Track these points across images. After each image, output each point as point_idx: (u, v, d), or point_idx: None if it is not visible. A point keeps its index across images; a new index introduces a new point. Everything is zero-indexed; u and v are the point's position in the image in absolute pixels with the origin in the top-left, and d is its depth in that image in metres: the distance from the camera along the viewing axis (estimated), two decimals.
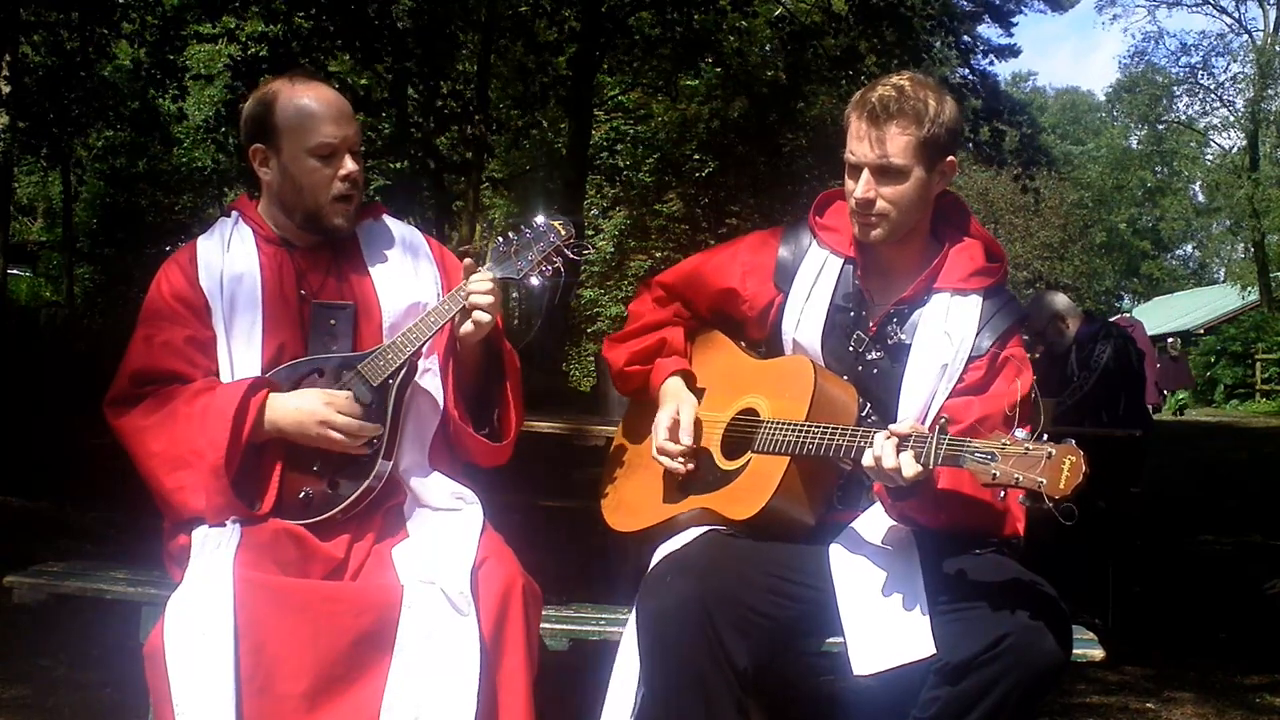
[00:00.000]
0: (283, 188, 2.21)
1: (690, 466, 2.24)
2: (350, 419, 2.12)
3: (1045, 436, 1.77)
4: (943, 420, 1.88)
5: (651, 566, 2.14)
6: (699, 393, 2.35)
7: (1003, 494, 1.82)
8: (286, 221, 2.25)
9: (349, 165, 2.19)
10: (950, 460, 1.84)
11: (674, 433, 2.25)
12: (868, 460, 1.94)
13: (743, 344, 2.39)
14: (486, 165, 17.39)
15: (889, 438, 1.91)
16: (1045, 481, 1.72)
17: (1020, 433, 1.79)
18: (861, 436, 1.99)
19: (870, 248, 2.22)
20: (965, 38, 15.62)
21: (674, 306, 2.44)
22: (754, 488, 2.13)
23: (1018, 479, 1.75)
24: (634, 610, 2.05)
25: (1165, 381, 18.82)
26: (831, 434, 2.03)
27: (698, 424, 2.28)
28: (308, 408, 2.11)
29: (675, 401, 2.30)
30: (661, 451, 2.25)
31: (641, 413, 2.44)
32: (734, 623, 1.98)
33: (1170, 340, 23.30)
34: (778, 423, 2.12)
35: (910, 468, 1.88)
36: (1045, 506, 1.73)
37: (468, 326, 2.16)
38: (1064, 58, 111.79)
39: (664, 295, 2.45)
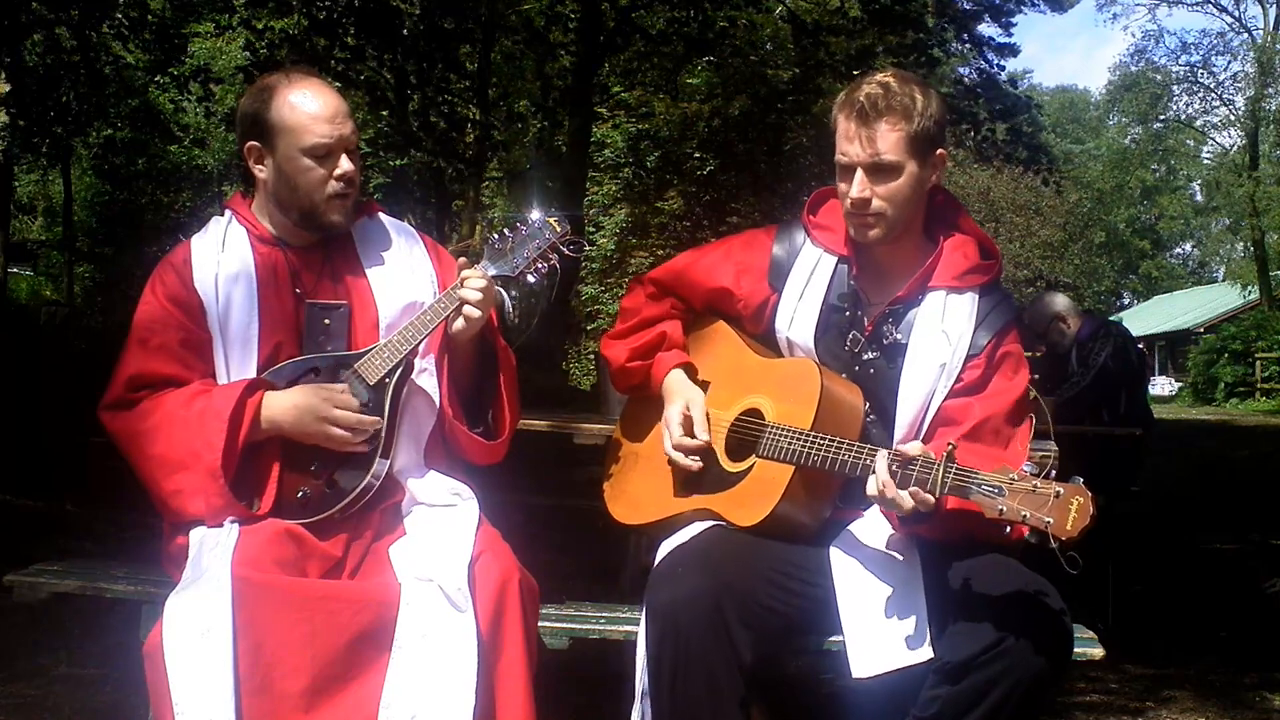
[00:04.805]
0: (278, 186, 2.20)
1: (701, 465, 2.23)
2: (348, 413, 2.11)
3: (1054, 474, 1.76)
4: (950, 448, 1.86)
5: (659, 560, 2.14)
6: (702, 385, 2.33)
7: (1008, 528, 1.81)
8: (282, 220, 2.23)
9: (345, 165, 2.17)
10: (957, 491, 1.84)
11: (689, 428, 2.24)
12: (872, 489, 1.94)
13: (744, 335, 2.36)
14: (488, 164, 17.37)
15: (892, 459, 1.91)
16: (1052, 521, 1.72)
17: (1028, 467, 1.79)
18: (868, 454, 1.98)
19: (865, 247, 2.21)
20: (966, 37, 15.64)
21: (669, 301, 2.42)
22: (758, 494, 2.12)
23: (1025, 516, 1.74)
24: (644, 604, 2.05)
25: None
26: (837, 448, 2.02)
27: (706, 419, 2.26)
28: (305, 404, 2.11)
29: (684, 396, 2.28)
30: (678, 448, 2.23)
31: (641, 408, 2.42)
32: (742, 617, 1.98)
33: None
34: (783, 428, 2.11)
35: (917, 500, 1.87)
36: (1051, 547, 1.72)
37: (461, 323, 2.16)
38: (1073, 56, 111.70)
39: (656, 291, 2.43)
